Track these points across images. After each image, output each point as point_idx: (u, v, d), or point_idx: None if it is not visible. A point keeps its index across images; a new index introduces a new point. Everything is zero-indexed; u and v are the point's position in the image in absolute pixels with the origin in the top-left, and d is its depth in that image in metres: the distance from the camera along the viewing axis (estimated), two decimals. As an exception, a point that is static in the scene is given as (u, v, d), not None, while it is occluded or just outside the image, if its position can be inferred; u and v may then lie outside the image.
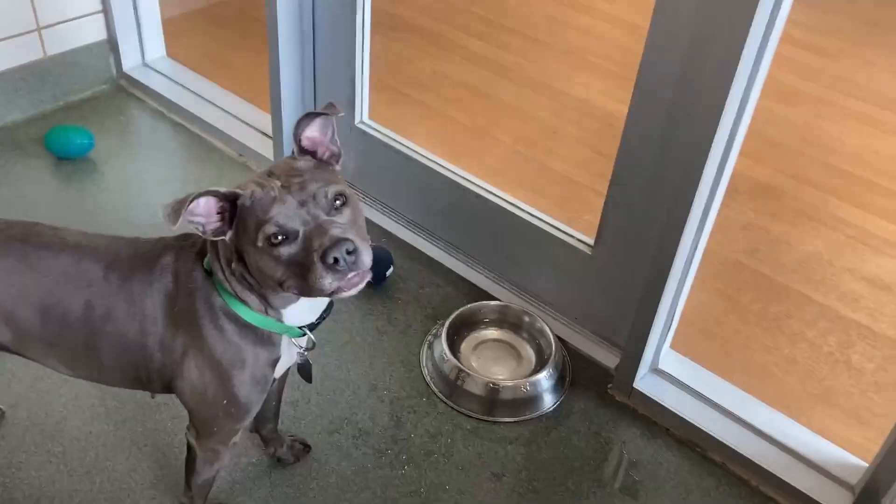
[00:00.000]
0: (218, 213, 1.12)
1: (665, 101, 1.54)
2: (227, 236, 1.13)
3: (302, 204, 1.08)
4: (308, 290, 1.08)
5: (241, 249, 1.13)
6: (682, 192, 1.51)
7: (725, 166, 1.49)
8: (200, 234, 1.13)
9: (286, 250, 1.07)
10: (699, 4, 1.41)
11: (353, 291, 1.09)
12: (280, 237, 1.06)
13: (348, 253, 1.04)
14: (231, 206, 1.11)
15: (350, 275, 1.07)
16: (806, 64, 3.16)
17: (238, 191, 1.10)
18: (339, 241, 1.04)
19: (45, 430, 1.65)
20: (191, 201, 1.07)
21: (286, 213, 1.07)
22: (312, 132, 1.18)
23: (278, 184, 1.09)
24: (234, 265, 1.16)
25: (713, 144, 1.43)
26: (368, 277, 1.10)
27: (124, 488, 1.56)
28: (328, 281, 1.06)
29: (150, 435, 1.66)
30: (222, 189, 1.10)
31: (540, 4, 3.54)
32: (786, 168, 2.63)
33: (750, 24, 1.30)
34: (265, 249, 1.08)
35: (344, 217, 1.10)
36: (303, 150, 1.17)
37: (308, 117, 1.17)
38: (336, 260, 1.04)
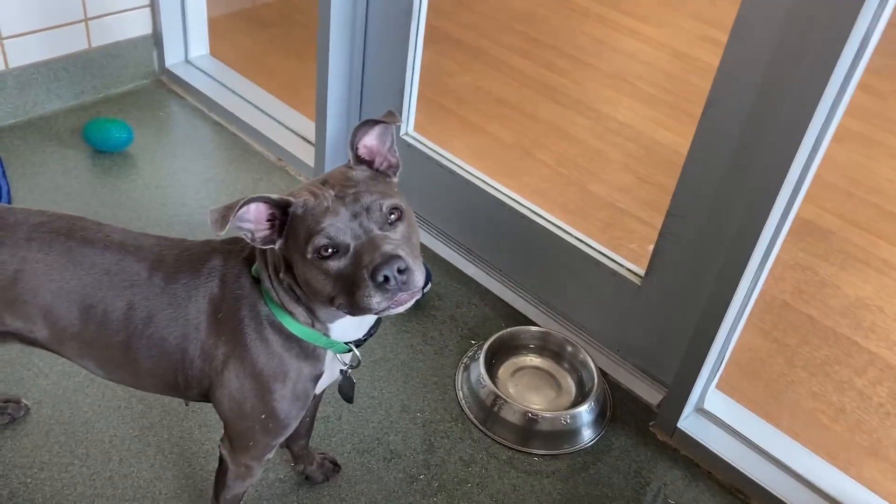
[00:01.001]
0: (268, 220, 1.07)
1: (733, 135, 1.48)
2: (277, 245, 1.08)
3: (355, 216, 1.03)
4: (356, 307, 1.03)
5: (290, 260, 1.08)
6: (746, 232, 1.44)
7: (792, 208, 1.43)
8: (249, 241, 1.08)
9: (335, 264, 1.02)
10: (781, 37, 1.35)
11: (402, 309, 1.04)
12: (330, 250, 1.02)
13: (399, 272, 0.99)
14: (282, 214, 1.06)
15: (399, 294, 1.01)
16: (856, 103, 3.09)
17: (290, 198, 1.06)
18: (390, 259, 0.99)
19: (69, 430, 1.60)
20: (240, 207, 1.02)
21: (338, 226, 1.02)
22: (370, 140, 1.13)
23: (332, 193, 1.04)
24: (282, 275, 1.11)
25: (783, 185, 1.36)
26: (419, 296, 1.05)
27: (147, 496, 1.51)
28: (376, 300, 1.01)
29: (176, 442, 1.61)
30: (274, 195, 1.05)
31: (585, 26, 3.49)
32: (834, 208, 2.56)
33: (834, 66, 1.24)
34: (314, 262, 1.03)
35: (398, 233, 1.04)
36: (359, 160, 1.12)
37: (366, 125, 1.11)
38: (386, 278, 0.99)
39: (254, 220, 1.06)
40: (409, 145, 2.17)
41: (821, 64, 1.26)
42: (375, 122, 1.12)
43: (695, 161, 1.57)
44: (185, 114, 2.60)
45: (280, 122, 2.51)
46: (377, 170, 1.13)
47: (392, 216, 1.04)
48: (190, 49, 2.74)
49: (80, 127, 2.42)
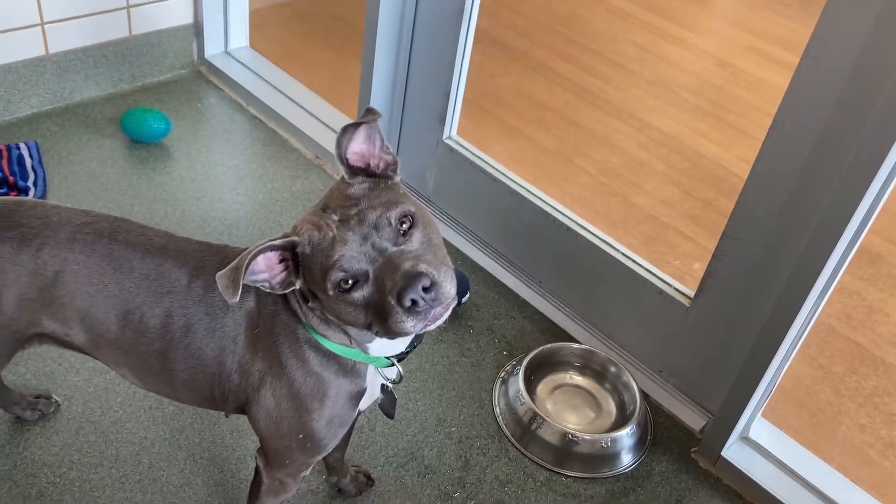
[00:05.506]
0: (280, 263, 1.00)
1: (801, 159, 1.41)
2: (298, 286, 1.01)
3: (365, 238, 0.95)
4: (392, 333, 0.96)
5: (316, 294, 1.01)
6: (810, 259, 1.38)
7: (860, 236, 1.37)
8: (269, 290, 1.01)
9: (359, 294, 0.95)
10: (860, 60, 1.29)
11: (440, 323, 0.97)
12: (350, 282, 0.94)
13: (425, 289, 0.91)
14: (293, 254, 0.99)
15: (433, 311, 0.94)
16: None
17: (295, 238, 0.98)
18: (413, 280, 0.91)
19: (99, 429, 1.57)
20: (248, 264, 0.95)
21: (350, 255, 0.94)
22: (359, 146, 1.03)
23: (336, 219, 0.97)
24: (311, 304, 1.05)
25: (854, 214, 1.30)
26: (454, 304, 0.97)
27: (176, 503, 1.48)
28: (410, 323, 0.94)
29: (207, 447, 1.57)
30: (277, 241, 0.98)
31: (628, 31, 3.42)
32: (883, 231, 2.48)
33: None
34: (337, 297, 0.96)
35: (414, 242, 0.96)
36: (353, 171, 1.03)
37: (349, 130, 1.02)
38: (414, 301, 0.92)
39: (266, 269, 0.99)
40: (452, 150, 2.12)
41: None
42: (357, 125, 1.02)
43: (756, 183, 1.50)
44: (223, 106, 2.56)
45: (319, 119, 2.47)
46: (374, 173, 1.04)
47: (404, 225, 0.96)
48: (230, 40, 2.70)
49: (118, 116, 2.39)
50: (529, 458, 1.65)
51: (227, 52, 2.71)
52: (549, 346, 1.80)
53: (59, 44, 2.35)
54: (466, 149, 2.12)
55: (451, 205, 2.20)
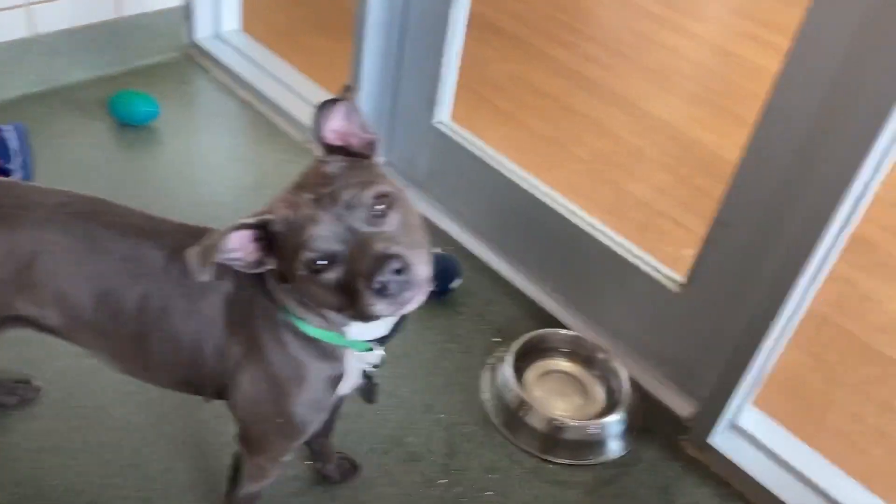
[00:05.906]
0: (255, 242, 0.98)
1: (793, 145, 1.39)
2: (272, 265, 0.99)
3: (339, 219, 0.92)
4: (364, 316, 0.94)
5: (289, 275, 0.99)
6: (800, 245, 1.36)
7: (849, 224, 1.35)
8: (242, 269, 0.99)
9: (331, 276, 0.92)
10: (851, 46, 1.26)
11: (412, 307, 0.94)
12: (321, 262, 0.92)
13: (397, 272, 0.89)
14: (266, 233, 0.97)
15: (404, 294, 0.91)
16: None
17: (268, 216, 0.96)
18: (383, 262, 0.88)
19: (81, 415, 1.55)
20: (220, 242, 0.93)
21: (322, 234, 0.91)
22: (337, 123, 1.00)
23: (310, 198, 0.94)
24: (287, 285, 1.02)
25: (845, 200, 1.28)
26: (428, 290, 0.94)
27: (158, 489, 1.46)
28: (380, 307, 0.91)
29: (190, 432, 1.56)
30: (251, 219, 0.96)
31: (628, 18, 3.39)
32: (879, 219, 2.46)
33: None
34: (309, 278, 0.94)
35: (391, 223, 0.94)
36: (331, 149, 1.00)
37: (326, 106, 0.99)
38: (385, 284, 0.89)
39: (240, 247, 0.97)
40: (444, 135, 2.09)
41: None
42: (335, 101, 0.99)
43: (748, 168, 1.48)
44: (213, 90, 2.53)
45: (309, 103, 2.44)
46: (354, 153, 1.01)
47: (380, 206, 0.93)
48: (221, 23, 2.67)
49: (106, 98, 2.36)
50: (516, 446, 1.63)
51: (217, 36, 2.68)
52: (537, 332, 1.79)
53: (45, 25, 2.32)
54: (459, 134, 2.10)
55: (443, 190, 2.17)
